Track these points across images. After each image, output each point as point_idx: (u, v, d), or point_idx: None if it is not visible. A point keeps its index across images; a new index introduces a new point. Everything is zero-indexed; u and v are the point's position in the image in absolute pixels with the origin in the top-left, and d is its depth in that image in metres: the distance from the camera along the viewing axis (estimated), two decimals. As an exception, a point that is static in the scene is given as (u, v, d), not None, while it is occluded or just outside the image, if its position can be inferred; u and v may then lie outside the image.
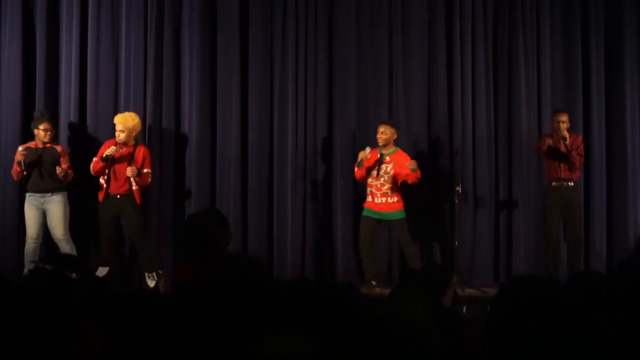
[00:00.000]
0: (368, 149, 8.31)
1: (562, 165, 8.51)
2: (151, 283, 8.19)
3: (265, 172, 9.06)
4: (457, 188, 8.62)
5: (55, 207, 8.11)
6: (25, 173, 8.05)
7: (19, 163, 8.03)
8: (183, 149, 8.99)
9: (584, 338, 2.62)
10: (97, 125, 8.85)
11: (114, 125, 8.73)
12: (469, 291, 8.29)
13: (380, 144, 8.39)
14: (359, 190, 8.94)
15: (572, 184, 8.59)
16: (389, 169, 8.32)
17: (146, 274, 8.29)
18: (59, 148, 8.22)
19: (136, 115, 8.39)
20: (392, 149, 8.45)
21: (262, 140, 9.06)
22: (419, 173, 8.24)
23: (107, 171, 8.17)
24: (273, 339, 1.58)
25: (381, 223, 8.49)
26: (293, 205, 8.99)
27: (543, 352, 2.50)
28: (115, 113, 8.73)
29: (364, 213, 8.45)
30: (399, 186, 8.36)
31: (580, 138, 8.72)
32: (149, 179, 8.31)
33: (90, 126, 8.84)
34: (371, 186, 8.36)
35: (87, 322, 2.87)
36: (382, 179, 8.32)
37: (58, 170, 8.00)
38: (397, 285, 4.04)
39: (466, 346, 3.47)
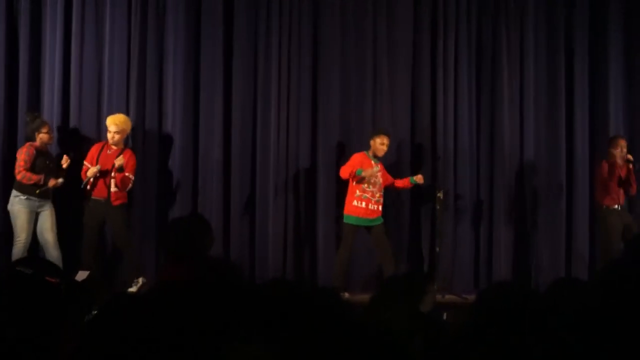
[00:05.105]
0: (376, 169, 8.36)
1: (621, 189, 8.71)
2: (133, 289, 8.10)
3: (247, 174, 9.05)
4: (439, 194, 8.66)
5: (50, 212, 8.04)
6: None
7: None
8: (166, 151, 8.96)
9: (562, 344, 2.63)
10: (80, 127, 8.79)
11: (97, 127, 8.69)
12: (449, 297, 8.34)
13: (381, 155, 8.46)
14: (341, 192, 8.95)
15: (624, 206, 8.83)
16: (379, 178, 8.39)
17: (129, 280, 8.22)
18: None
19: (128, 118, 8.38)
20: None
21: (245, 142, 9.04)
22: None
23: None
24: (237, 344, 1.57)
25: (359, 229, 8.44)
26: (275, 207, 8.98)
27: (521, 358, 2.51)
28: (99, 115, 8.70)
29: (351, 221, 8.35)
30: None
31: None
32: (130, 184, 8.21)
33: (73, 128, 8.77)
34: (366, 192, 8.34)
35: (68, 326, 2.85)
36: (377, 186, 8.35)
37: (52, 183, 7.93)
38: (377, 291, 4.04)
39: (446, 352, 3.47)
